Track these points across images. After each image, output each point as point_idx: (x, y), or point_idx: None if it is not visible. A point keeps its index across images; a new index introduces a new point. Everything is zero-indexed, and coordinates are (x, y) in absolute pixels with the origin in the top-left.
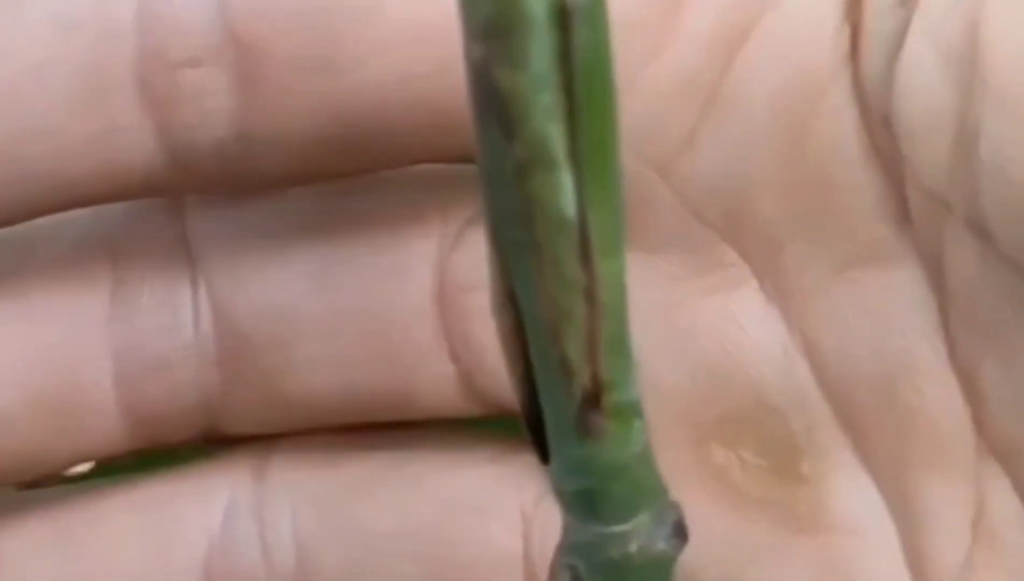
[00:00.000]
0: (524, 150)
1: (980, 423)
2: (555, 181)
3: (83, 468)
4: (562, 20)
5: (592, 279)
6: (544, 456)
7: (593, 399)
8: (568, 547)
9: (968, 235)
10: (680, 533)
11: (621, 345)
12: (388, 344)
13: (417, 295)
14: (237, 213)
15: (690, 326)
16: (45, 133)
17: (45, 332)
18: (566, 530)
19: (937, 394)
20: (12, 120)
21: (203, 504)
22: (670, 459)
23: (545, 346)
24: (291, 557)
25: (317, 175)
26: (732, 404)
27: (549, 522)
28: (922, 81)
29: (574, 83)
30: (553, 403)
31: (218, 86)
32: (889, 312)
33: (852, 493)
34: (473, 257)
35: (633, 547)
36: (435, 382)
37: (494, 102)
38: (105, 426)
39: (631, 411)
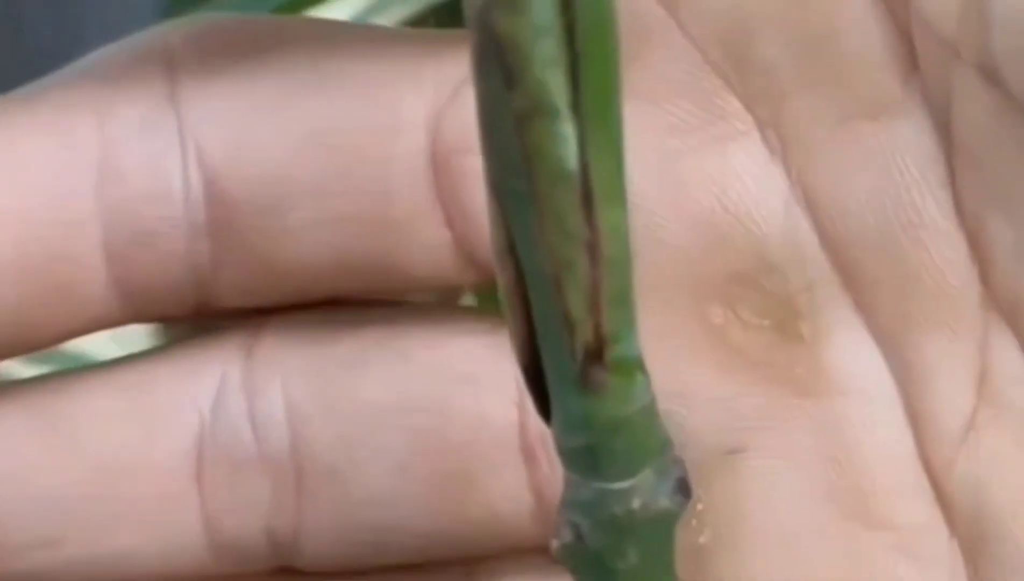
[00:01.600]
0: (524, 99)
1: (986, 279)
2: (556, 131)
3: None
4: None
5: (594, 231)
6: (545, 412)
7: (595, 353)
8: (570, 504)
9: (978, 83)
10: (683, 489)
11: (624, 298)
12: (381, 208)
13: (411, 157)
14: (227, 76)
15: (691, 178)
16: None
17: (32, 195)
18: (568, 486)
19: (942, 249)
20: None
21: (193, 383)
22: (670, 320)
23: (547, 300)
24: (283, 434)
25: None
26: (731, 261)
27: None
28: None
29: (575, 31)
30: (554, 358)
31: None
32: (894, 165)
33: (853, 354)
34: (470, 118)
35: (636, 503)
36: (429, 248)
37: (494, 50)
38: (96, 296)
39: (634, 365)
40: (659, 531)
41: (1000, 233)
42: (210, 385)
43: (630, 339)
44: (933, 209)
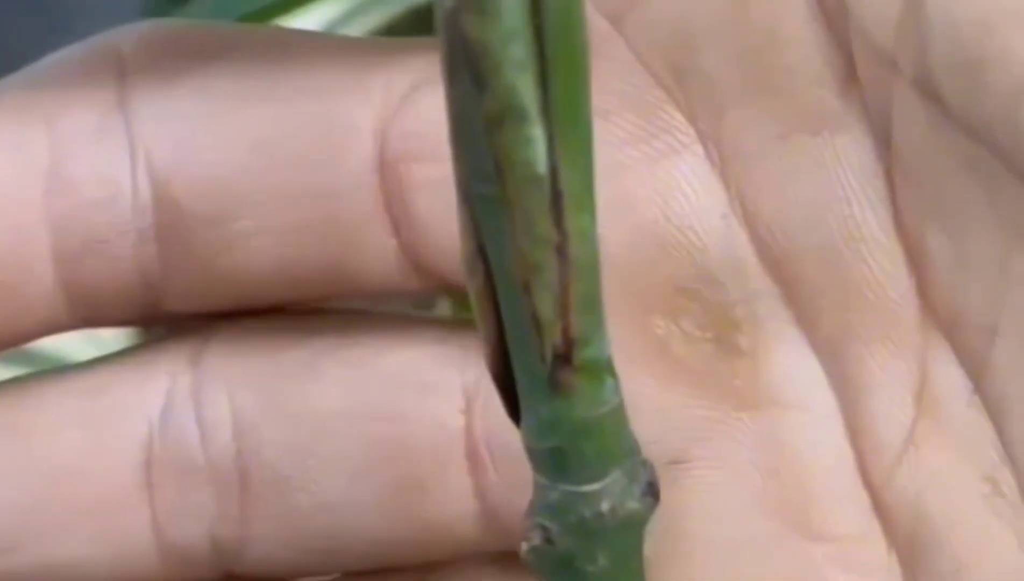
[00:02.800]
0: (494, 103)
1: (925, 293)
2: (526, 134)
3: None
4: None
5: (563, 235)
6: (515, 415)
7: (564, 356)
8: (539, 507)
9: (916, 97)
10: (653, 492)
11: (592, 301)
12: (328, 216)
13: (358, 165)
14: (177, 83)
15: (635, 191)
16: None
17: None
18: (537, 490)
19: (882, 263)
20: None
21: (142, 390)
22: (613, 331)
23: (516, 303)
24: (230, 442)
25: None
26: (674, 273)
27: (491, 399)
28: None
29: (545, 35)
30: (524, 360)
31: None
32: (834, 178)
33: (793, 367)
34: (416, 126)
35: (605, 506)
36: (376, 256)
37: (464, 53)
38: (43, 302)
39: (602, 368)
40: (628, 534)
41: (939, 247)
42: (159, 392)
43: (599, 342)
44: (873, 223)
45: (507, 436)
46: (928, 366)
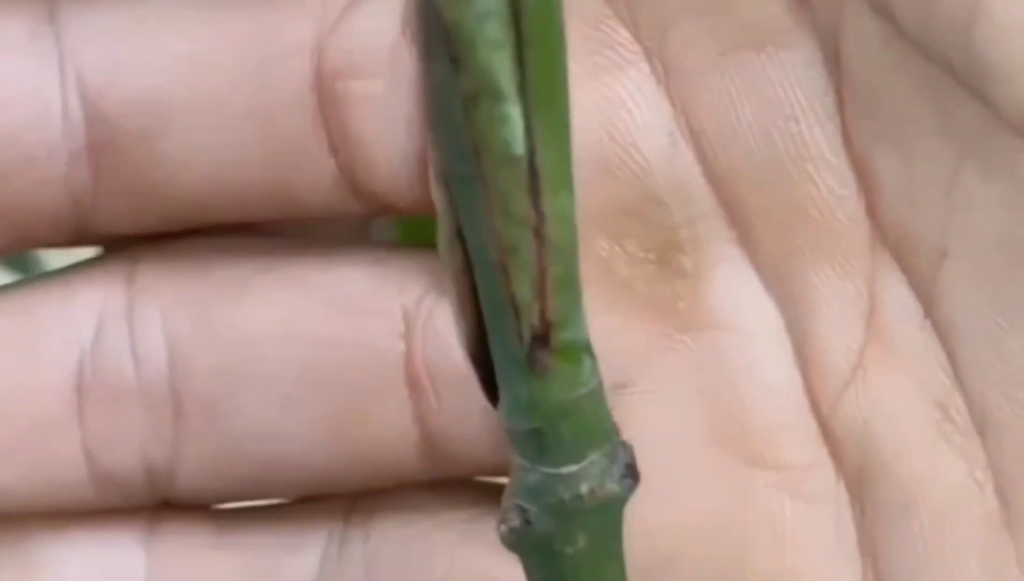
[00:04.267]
0: (470, 82)
1: (874, 213)
2: (502, 114)
3: None
4: None
5: (540, 216)
6: (492, 397)
7: (542, 337)
8: (518, 489)
9: (868, 13)
10: (632, 474)
11: (570, 283)
12: (264, 135)
13: (295, 81)
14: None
15: (578, 107)
16: None
17: None
18: (516, 472)
19: (830, 182)
20: None
21: (72, 312)
22: None
23: (493, 285)
24: (163, 364)
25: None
26: (617, 193)
27: (431, 321)
28: None
29: (521, 14)
30: (501, 342)
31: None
32: (781, 96)
33: (737, 289)
34: (355, 42)
35: (584, 488)
36: (313, 176)
37: (440, 33)
38: None
39: (581, 349)
40: (607, 515)
41: (888, 166)
42: (90, 314)
43: (577, 323)
44: (821, 141)
45: (449, 362)
46: (877, 290)
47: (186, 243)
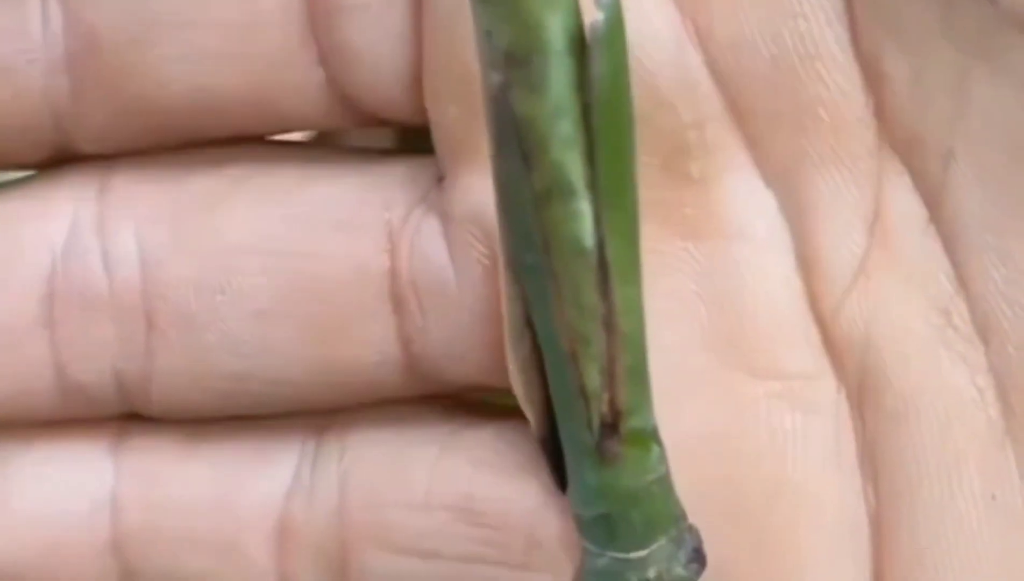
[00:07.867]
0: (543, 179)
1: (882, 114)
2: (574, 209)
3: None
4: (581, 48)
5: (610, 307)
6: (562, 483)
7: (611, 425)
8: (586, 573)
9: None
10: (699, 558)
11: (639, 372)
12: (251, 42)
13: None
14: None
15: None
16: None
17: None
18: (584, 556)
19: (839, 82)
20: None
21: (45, 219)
22: None
23: (563, 373)
24: (136, 275)
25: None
26: None
27: (418, 238)
28: None
29: (592, 112)
30: (571, 430)
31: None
32: None
33: (743, 195)
34: None
35: (652, 573)
36: (301, 88)
37: (513, 130)
38: None
39: (649, 437)
40: None
41: (897, 67)
42: (62, 223)
43: (645, 411)
44: (830, 39)
45: (436, 280)
46: (883, 193)
47: (161, 154)
